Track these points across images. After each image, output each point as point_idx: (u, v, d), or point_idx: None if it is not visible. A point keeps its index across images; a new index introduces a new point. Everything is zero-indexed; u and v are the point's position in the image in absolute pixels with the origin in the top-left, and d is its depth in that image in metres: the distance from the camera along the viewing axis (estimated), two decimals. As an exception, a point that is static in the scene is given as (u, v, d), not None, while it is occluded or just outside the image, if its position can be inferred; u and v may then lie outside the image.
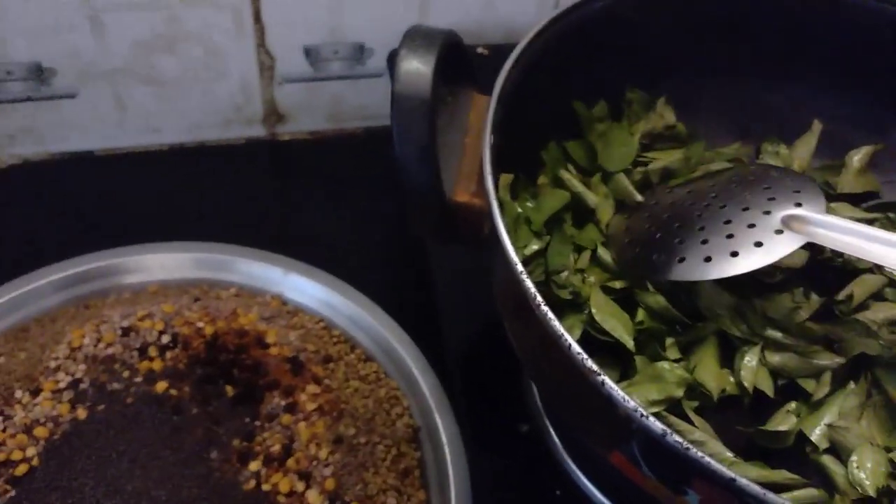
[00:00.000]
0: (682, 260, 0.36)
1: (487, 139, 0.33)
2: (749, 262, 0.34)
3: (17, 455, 0.46)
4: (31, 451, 0.46)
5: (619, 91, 0.47)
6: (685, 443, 0.26)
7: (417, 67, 0.33)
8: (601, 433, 0.31)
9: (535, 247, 0.39)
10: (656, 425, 0.26)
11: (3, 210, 0.62)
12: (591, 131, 0.45)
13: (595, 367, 0.27)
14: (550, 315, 0.29)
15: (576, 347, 0.28)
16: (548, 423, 0.44)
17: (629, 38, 0.43)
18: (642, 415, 0.27)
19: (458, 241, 0.38)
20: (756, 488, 0.25)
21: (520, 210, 0.39)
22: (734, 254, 0.35)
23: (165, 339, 0.51)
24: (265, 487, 0.46)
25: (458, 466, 0.48)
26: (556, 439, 0.44)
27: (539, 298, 0.29)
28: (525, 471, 0.44)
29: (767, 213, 0.36)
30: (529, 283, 0.29)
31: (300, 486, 0.46)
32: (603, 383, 0.27)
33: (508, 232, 0.31)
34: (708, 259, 0.35)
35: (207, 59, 0.61)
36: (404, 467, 0.49)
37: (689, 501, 0.29)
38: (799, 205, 0.36)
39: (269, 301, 0.56)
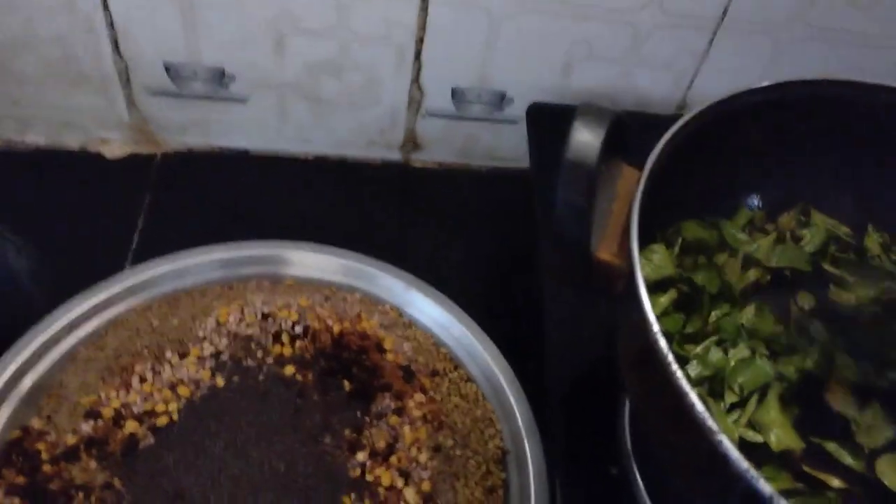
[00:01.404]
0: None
1: (637, 206, 0.38)
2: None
3: (160, 407, 0.52)
4: (172, 406, 0.53)
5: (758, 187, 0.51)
6: (787, 505, 0.30)
7: (589, 139, 0.38)
8: (706, 490, 0.35)
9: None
10: (766, 488, 0.30)
11: (163, 191, 0.69)
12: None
13: (716, 427, 0.32)
14: (679, 372, 0.33)
15: (700, 406, 0.32)
16: (636, 468, 0.48)
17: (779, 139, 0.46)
18: (755, 476, 0.30)
19: (593, 292, 0.43)
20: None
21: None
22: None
23: (298, 329, 0.57)
24: (369, 477, 0.51)
25: (540, 493, 0.52)
26: (642, 486, 0.48)
27: (671, 356, 0.33)
28: (607, 508, 0.48)
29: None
30: (663, 341, 0.34)
31: (400, 483, 0.51)
32: (721, 443, 0.31)
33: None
34: None
35: (366, 86, 0.68)
36: (490, 485, 0.54)
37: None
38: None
39: (389, 311, 0.62)
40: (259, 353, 0.56)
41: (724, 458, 0.31)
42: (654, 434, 0.40)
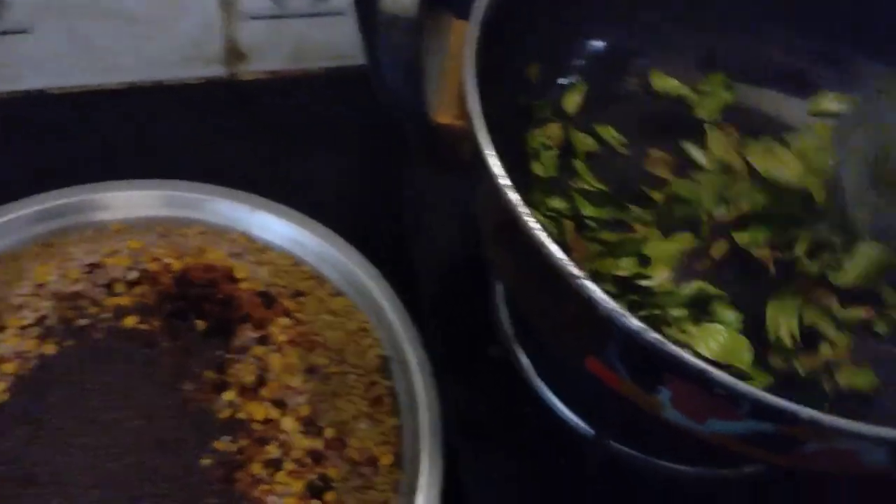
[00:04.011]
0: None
1: (470, 59, 0.34)
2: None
3: (-16, 390, 0.45)
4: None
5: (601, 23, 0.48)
6: (660, 338, 0.28)
7: (401, -16, 0.33)
8: (578, 340, 0.33)
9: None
10: (635, 323, 0.28)
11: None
12: None
13: (577, 272, 0.29)
14: (533, 223, 0.30)
15: (558, 253, 0.29)
16: (517, 345, 0.46)
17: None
18: (622, 314, 0.28)
19: (437, 165, 0.39)
20: (726, 377, 0.27)
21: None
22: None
23: (133, 275, 0.51)
24: (240, 415, 0.46)
25: (428, 393, 0.49)
26: (525, 360, 0.46)
27: (523, 207, 0.30)
28: (495, 393, 0.46)
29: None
30: (512, 194, 0.31)
31: (275, 414, 0.47)
32: (584, 286, 0.29)
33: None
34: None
35: (165, -7, 0.60)
36: (376, 395, 0.51)
37: (661, 399, 0.31)
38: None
39: (237, 238, 0.56)
40: (92, 310, 0.49)
41: (589, 301, 0.28)
42: (525, 303, 0.37)
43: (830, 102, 0.50)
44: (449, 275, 0.50)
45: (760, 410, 0.28)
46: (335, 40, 0.68)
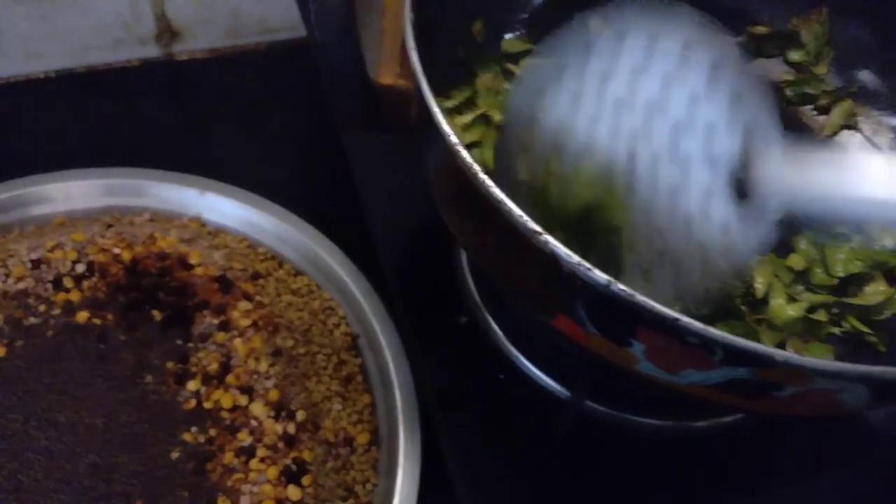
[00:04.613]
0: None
1: (408, 15, 0.32)
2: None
3: (-68, 401, 0.43)
4: (-53, 396, 0.43)
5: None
6: (629, 290, 0.27)
7: (331, -59, 0.31)
8: (545, 299, 0.32)
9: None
10: (601, 276, 0.27)
11: None
12: None
13: (538, 228, 0.28)
14: (489, 182, 0.29)
15: (517, 211, 0.28)
16: (486, 312, 0.45)
17: None
18: (587, 268, 0.27)
19: (383, 129, 0.37)
20: (698, 325, 0.27)
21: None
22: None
23: (80, 268, 0.49)
24: (207, 405, 0.45)
25: (400, 367, 0.48)
26: (496, 327, 0.45)
27: (476, 167, 0.29)
28: (468, 361, 0.45)
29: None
30: (465, 154, 0.29)
31: (243, 400, 0.45)
32: (547, 242, 0.28)
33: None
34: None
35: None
36: (346, 374, 0.49)
37: (634, 353, 0.30)
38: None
39: (188, 223, 0.54)
40: (41, 307, 0.47)
41: (553, 258, 0.27)
42: (488, 266, 0.36)
43: None
44: (409, 245, 0.48)
45: (735, 356, 0.28)
46: (271, 13, 0.65)
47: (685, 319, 0.27)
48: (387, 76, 0.34)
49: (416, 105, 0.32)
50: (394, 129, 0.37)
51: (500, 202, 0.29)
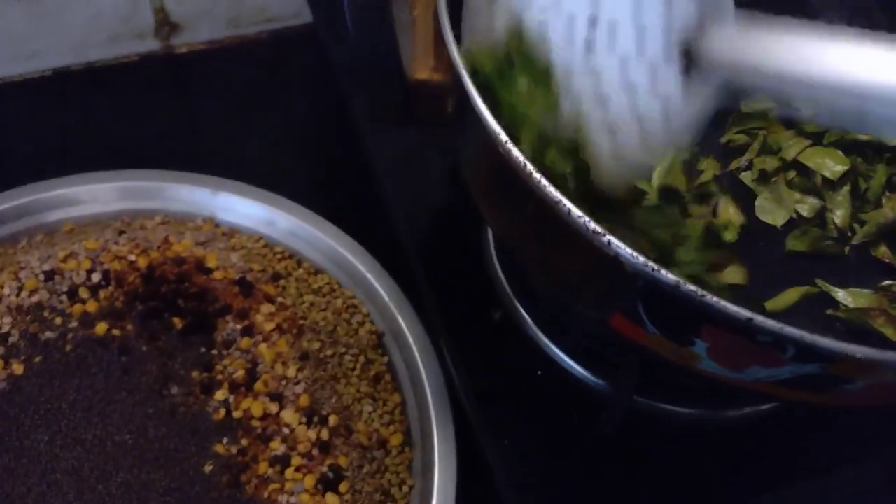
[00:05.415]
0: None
1: (444, 8, 0.30)
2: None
3: (-49, 423, 0.42)
4: (-33, 417, 0.42)
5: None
6: (699, 290, 0.26)
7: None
8: (601, 298, 0.31)
9: None
10: (670, 277, 0.26)
11: None
12: None
13: (600, 228, 0.27)
14: (545, 182, 0.27)
15: (576, 211, 0.27)
16: (519, 306, 0.44)
17: None
18: (655, 269, 0.26)
19: (417, 123, 0.36)
20: (772, 323, 0.25)
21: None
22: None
23: (95, 277, 0.47)
24: (236, 414, 0.43)
25: (429, 364, 0.47)
26: (531, 321, 0.44)
27: (531, 166, 0.27)
28: (504, 357, 0.44)
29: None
30: (517, 152, 0.28)
31: (273, 408, 0.44)
32: (609, 243, 0.26)
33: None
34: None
35: (83, -35, 0.54)
36: (374, 374, 0.48)
37: (696, 351, 0.29)
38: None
39: (202, 225, 0.52)
40: (57, 320, 0.45)
41: (616, 259, 0.26)
42: (531, 263, 0.35)
43: None
44: (436, 237, 0.47)
45: (809, 352, 0.26)
46: (272, 1, 0.63)
47: (759, 318, 0.26)
48: (422, 71, 0.32)
49: (453, 98, 0.31)
50: (427, 122, 0.35)
51: (555, 200, 0.27)
